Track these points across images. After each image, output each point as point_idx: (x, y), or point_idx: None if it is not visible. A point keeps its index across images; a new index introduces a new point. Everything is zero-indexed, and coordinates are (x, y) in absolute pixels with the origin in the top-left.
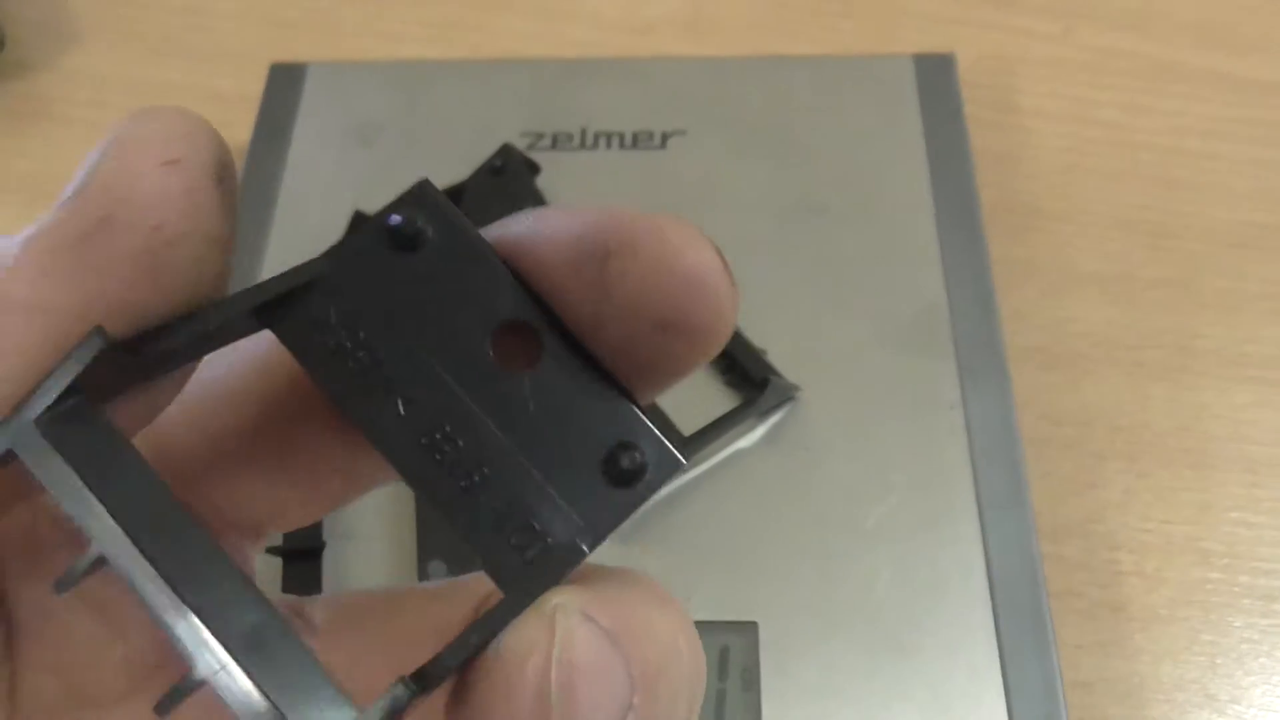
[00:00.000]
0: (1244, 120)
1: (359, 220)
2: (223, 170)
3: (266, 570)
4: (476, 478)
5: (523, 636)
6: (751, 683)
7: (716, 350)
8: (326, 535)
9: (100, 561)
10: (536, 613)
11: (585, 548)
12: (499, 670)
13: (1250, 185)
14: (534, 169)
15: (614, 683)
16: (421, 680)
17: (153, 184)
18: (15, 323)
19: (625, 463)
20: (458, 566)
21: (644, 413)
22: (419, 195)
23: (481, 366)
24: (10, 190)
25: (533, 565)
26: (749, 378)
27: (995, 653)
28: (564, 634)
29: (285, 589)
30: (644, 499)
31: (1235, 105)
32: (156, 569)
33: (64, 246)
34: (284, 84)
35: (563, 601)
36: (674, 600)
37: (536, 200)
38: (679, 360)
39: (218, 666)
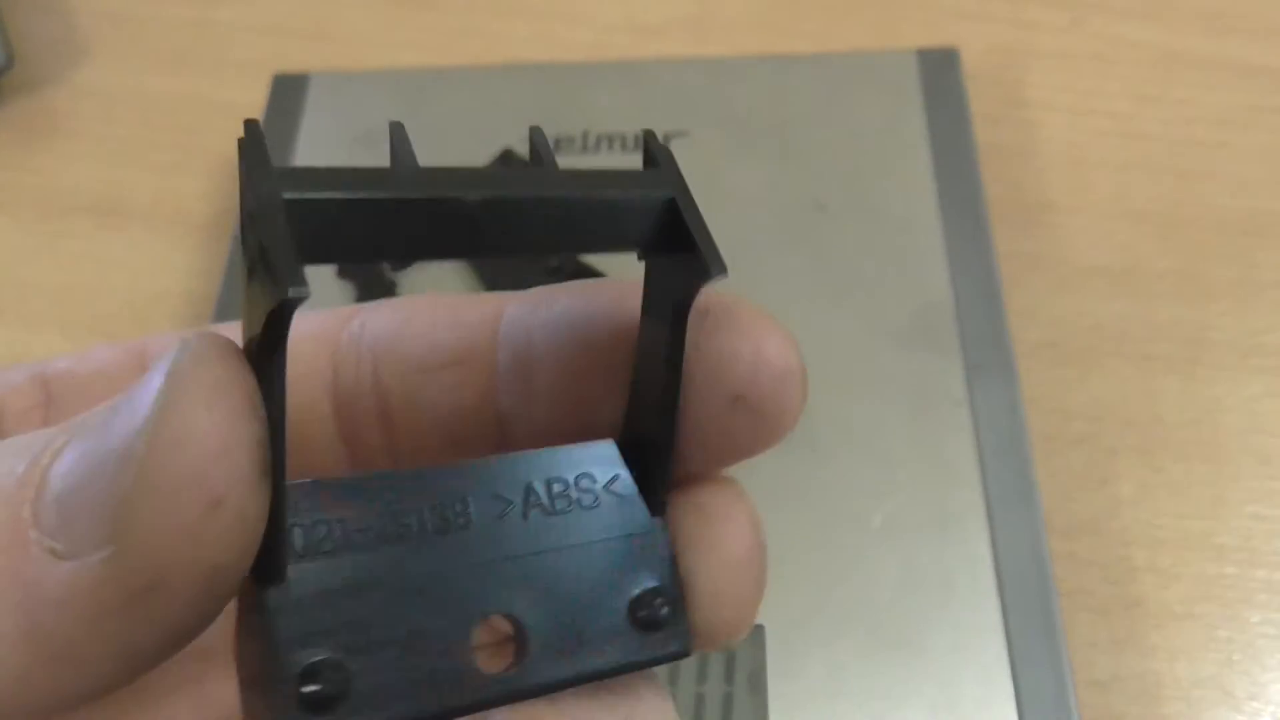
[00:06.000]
0: (1256, 108)
1: None
2: (262, 451)
3: None
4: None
5: None
6: (759, 686)
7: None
8: None
9: None
10: None
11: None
12: None
13: (1262, 173)
14: None
15: None
16: None
17: (201, 534)
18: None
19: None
20: None
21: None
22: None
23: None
24: (23, 206)
25: None
26: None
27: (1005, 652)
28: None
29: None
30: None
31: (1247, 92)
32: None
33: (109, 613)
34: (287, 94)
35: None
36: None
37: None
38: (748, 437)
39: None
